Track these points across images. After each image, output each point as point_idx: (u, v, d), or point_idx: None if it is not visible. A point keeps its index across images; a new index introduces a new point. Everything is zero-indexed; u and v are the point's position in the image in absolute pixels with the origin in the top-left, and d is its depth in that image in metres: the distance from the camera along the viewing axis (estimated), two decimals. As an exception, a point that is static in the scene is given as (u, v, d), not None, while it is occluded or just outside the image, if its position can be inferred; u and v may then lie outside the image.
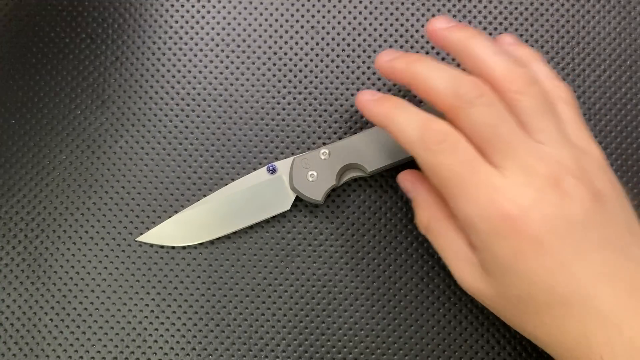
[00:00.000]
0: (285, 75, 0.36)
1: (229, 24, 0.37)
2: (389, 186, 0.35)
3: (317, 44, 0.37)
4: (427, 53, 0.37)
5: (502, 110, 0.27)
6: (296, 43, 0.37)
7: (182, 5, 0.37)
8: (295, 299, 0.34)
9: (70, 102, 0.36)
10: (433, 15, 0.37)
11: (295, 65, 0.36)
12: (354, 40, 0.37)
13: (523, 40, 0.37)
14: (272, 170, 0.34)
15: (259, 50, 0.36)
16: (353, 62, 0.36)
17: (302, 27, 0.37)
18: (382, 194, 0.35)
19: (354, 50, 0.37)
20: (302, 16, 0.37)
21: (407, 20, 0.37)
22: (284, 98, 0.36)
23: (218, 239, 0.34)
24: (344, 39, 0.37)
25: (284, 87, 0.36)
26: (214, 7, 0.37)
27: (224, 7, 0.37)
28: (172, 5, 0.37)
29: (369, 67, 0.36)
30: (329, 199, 0.35)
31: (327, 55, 0.36)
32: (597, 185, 0.27)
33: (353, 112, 0.36)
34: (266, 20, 0.37)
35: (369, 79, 0.36)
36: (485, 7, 0.37)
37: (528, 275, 0.26)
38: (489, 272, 0.28)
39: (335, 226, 0.35)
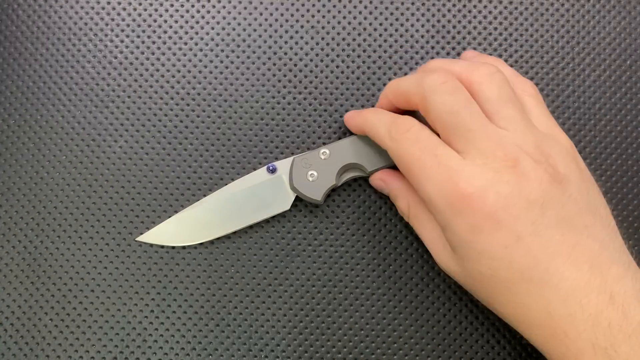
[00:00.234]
0: (285, 75, 0.36)
1: (229, 24, 0.37)
2: (389, 186, 0.35)
3: (317, 44, 0.37)
4: (427, 53, 0.37)
5: (465, 98, 0.29)
6: (296, 43, 0.36)
7: (182, 5, 0.37)
8: (295, 299, 0.34)
9: (70, 102, 0.36)
10: (433, 15, 0.37)
11: (295, 65, 0.36)
12: (354, 40, 0.37)
13: (523, 40, 0.37)
14: (272, 170, 0.34)
15: (259, 50, 0.36)
16: (353, 62, 0.36)
17: (302, 27, 0.37)
18: (382, 194, 0.35)
19: (354, 50, 0.37)
20: (302, 16, 0.37)
21: (407, 20, 0.37)
22: (284, 98, 0.36)
23: (218, 239, 0.34)
24: (344, 39, 0.37)
25: (284, 87, 0.36)
26: (213, 7, 0.37)
27: (224, 7, 0.37)
28: (172, 5, 0.37)
29: (369, 67, 0.36)
30: (329, 198, 0.35)
31: (327, 55, 0.36)
32: (560, 169, 0.28)
33: (353, 112, 0.36)
34: (266, 20, 0.37)
35: (369, 79, 0.36)
36: (485, 7, 0.37)
37: (486, 251, 0.27)
38: (454, 250, 0.29)
39: (335, 226, 0.35)
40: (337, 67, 0.36)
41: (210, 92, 0.36)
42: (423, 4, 0.37)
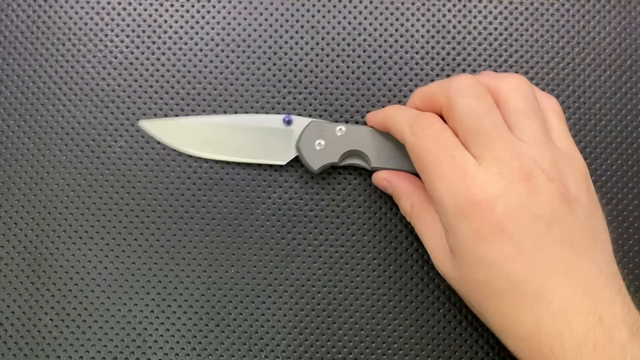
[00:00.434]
0: (285, 75, 0.36)
1: (229, 24, 0.37)
2: (389, 186, 0.35)
3: (317, 44, 0.37)
4: (427, 53, 0.37)
5: (489, 103, 0.29)
6: (296, 43, 0.36)
7: (182, 5, 0.37)
8: (295, 299, 0.34)
9: (70, 102, 0.36)
10: (433, 15, 0.37)
11: (295, 65, 0.36)
12: (354, 40, 0.37)
13: (523, 40, 0.37)
14: (288, 122, 0.34)
15: (259, 50, 0.36)
16: (353, 62, 0.36)
17: (302, 27, 0.37)
18: (382, 193, 0.35)
19: (354, 50, 0.37)
20: (302, 16, 0.37)
21: (407, 20, 0.37)
22: (284, 98, 0.36)
23: (218, 237, 0.34)
24: (344, 39, 0.37)
25: (284, 87, 0.36)
26: (214, 7, 0.37)
27: (224, 7, 0.37)
28: (172, 5, 0.37)
29: (369, 67, 0.36)
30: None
31: (327, 55, 0.36)
32: (571, 189, 0.28)
33: (353, 112, 0.36)
34: (266, 20, 0.37)
35: (369, 79, 0.36)
36: (485, 7, 0.37)
37: (486, 258, 0.27)
38: (454, 254, 0.29)
39: (336, 226, 0.35)
40: (337, 67, 0.36)
41: (210, 92, 0.36)
42: (423, 4, 0.37)
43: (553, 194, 0.27)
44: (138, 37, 0.36)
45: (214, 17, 0.37)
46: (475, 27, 0.37)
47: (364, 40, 0.37)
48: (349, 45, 0.37)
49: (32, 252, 0.34)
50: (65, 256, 0.34)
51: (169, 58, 0.36)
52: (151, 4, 0.37)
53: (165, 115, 0.36)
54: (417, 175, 0.32)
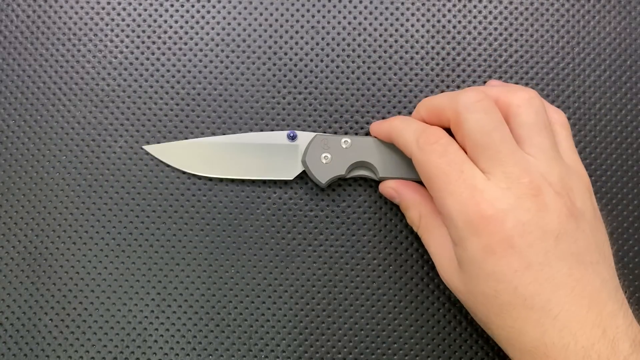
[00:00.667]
0: (285, 75, 0.36)
1: (229, 24, 0.37)
2: (389, 186, 0.35)
3: (317, 44, 0.37)
4: (427, 53, 0.37)
5: (498, 119, 0.29)
6: (296, 43, 0.36)
7: (182, 5, 0.37)
8: (295, 299, 0.34)
9: (70, 102, 0.36)
10: (433, 16, 0.37)
11: (295, 65, 0.36)
12: (354, 40, 0.37)
13: (523, 40, 0.37)
14: (292, 138, 0.34)
15: (259, 50, 0.36)
16: (353, 62, 0.36)
17: (302, 27, 0.37)
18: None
19: (354, 50, 0.37)
20: (302, 16, 0.37)
21: (407, 20, 0.37)
22: (284, 98, 0.36)
23: (218, 237, 0.34)
24: (344, 39, 0.37)
25: (284, 87, 0.36)
26: (213, 7, 0.37)
27: (224, 7, 0.37)
28: (172, 5, 0.37)
29: (369, 67, 0.36)
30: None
31: (327, 55, 0.36)
32: (577, 204, 0.28)
33: (353, 112, 0.36)
34: (266, 20, 0.37)
35: (369, 79, 0.36)
36: (485, 7, 0.37)
37: (495, 273, 0.27)
38: (462, 267, 0.29)
39: (336, 226, 0.35)
40: (337, 67, 0.36)
41: (210, 92, 0.36)
42: (423, 4, 0.37)
43: (561, 209, 0.28)
44: (138, 37, 0.36)
45: (214, 17, 0.37)
46: (475, 27, 0.37)
47: (364, 40, 0.37)
48: (349, 45, 0.37)
49: (32, 252, 0.34)
50: (65, 256, 0.34)
51: (169, 58, 0.36)
52: (151, 4, 0.37)
53: (165, 116, 0.36)
54: (424, 184, 0.32)
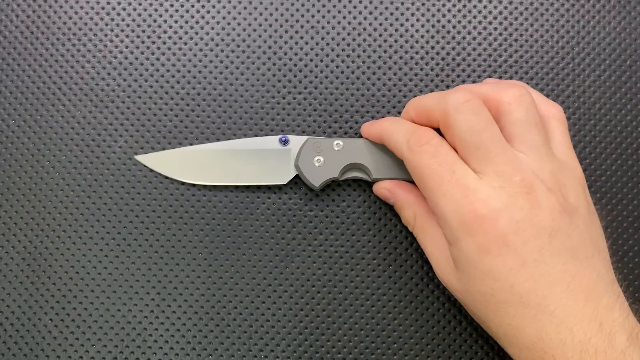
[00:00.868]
0: (285, 75, 0.36)
1: (228, 24, 0.37)
2: (388, 186, 0.35)
3: (317, 44, 0.37)
4: (426, 53, 0.37)
5: (487, 118, 0.29)
6: (296, 43, 0.36)
7: (182, 5, 0.37)
8: (295, 299, 0.34)
9: (70, 102, 0.36)
10: (433, 16, 0.37)
11: (295, 65, 0.36)
12: (353, 40, 0.37)
13: (523, 40, 0.37)
14: (284, 142, 0.34)
15: (259, 50, 0.36)
16: (353, 62, 0.36)
17: (302, 27, 0.37)
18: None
19: (353, 50, 0.37)
20: (302, 16, 0.37)
21: (407, 20, 0.37)
22: (283, 98, 0.36)
23: (218, 237, 0.34)
24: (343, 39, 0.37)
25: (284, 87, 0.36)
26: (213, 7, 0.37)
27: (224, 7, 0.37)
28: (172, 5, 0.37)
29: (368, 67, 0.36)
30: (329, 197, 0.35)
31: (327, 55, 0.36)
32: (570, 199, 0.29)
33: (353, 112, 0.36)
34: (266, 20, 0.37)
35: (368, 79, 0.36)
36: (485, 7, 0.37)
37: (491, 271, 0.27)
38: (458, 266, 0.29)
39: (335, 226, 0.35)
40: (337, 67, 0.36)
41: (210, 92, 0.36)
42: (423, 4, 0.37)
43: (554, 206, 0.28)
44: (138, 37, 0.36)
45: (213, 17, 0.37)
46: (475, 27, 0.37)
47: (364, 40, 0.37)
48: (349, 45, 0.37)
49: (32, 252, 0.34)
50: (65, 256, 0.34)
51: (169, 58, 0.36)
52: (151, 4, 0.37)
53: (165, 116, 0.36)
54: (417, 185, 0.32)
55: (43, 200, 0.35)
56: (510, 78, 0.37)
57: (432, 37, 0.37)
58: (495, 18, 0.37)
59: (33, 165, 0.35)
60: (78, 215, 0.35)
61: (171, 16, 0.37)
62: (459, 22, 0.37)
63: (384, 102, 0.36)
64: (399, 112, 0.36)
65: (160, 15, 0.37)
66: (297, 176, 0.34)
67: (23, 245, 0.34)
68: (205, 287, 0.34)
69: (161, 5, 0.37)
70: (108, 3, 0.36)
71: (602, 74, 0.37)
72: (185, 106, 0.36)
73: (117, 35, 0.36)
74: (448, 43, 0.37)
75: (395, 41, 0.37)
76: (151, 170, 0.35)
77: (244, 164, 0.34)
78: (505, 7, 0.37)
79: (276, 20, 0.37)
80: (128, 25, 0.36)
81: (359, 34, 0.37)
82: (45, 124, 0.35)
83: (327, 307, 0.34)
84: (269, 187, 0.35)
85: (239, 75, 0.36)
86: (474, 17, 0.37)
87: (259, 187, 0.35)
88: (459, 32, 0.37)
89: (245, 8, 0.37)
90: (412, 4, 0.37)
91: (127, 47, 0.36)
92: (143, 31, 0.36)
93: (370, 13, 0.37)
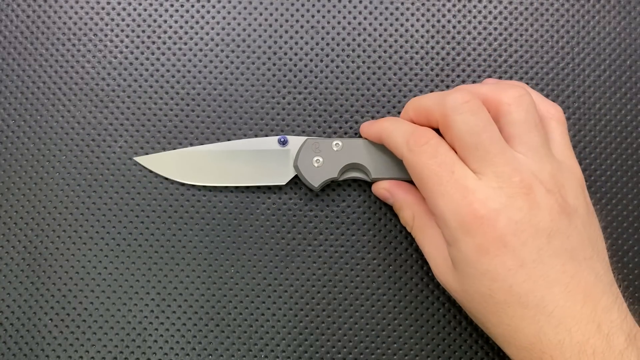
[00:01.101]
0: (285, 75, 0.36)
1: (228, 24, 0.37)
2: (388, 186, 0.35)
3: (317, 44, 0.37)
4: (426, 53, 0.37)
5: (487, 119, 0.29)
6: (296, 43, 0.36)
7: (182, 5, 0.37)
8: (295, 299, 0.34)
9: (70, 102, 0.36)
10: (433, 16, 0.37)
11: (295, 65, 0.36)
12: (353, 40, 0.37)
13: (523, 40, 0.37)
14: (283, 142, 0.34)
15: (259, 50, 0.36)
16: (353, 62, 0.36)
17: (302, 27, 0.37)
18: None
19: (353, 50, 0.37)
20: (302, 16, 0.37)
21: (407, 20, 0.37)
22: (283, 98, 0.36)
23: (218, 237, 0.34)
24: (343, 39, 0.37)
25: (284, 87, 0.36)
26: (213, 7, 0.37)
27: (224, 7, 0.37)
28: (172, 5, 0.37)
29: (368, 67, 0.36)
30: (328, 197, 0.35)
31: (327, 55, 0.36)
32: (569, 200, 0.29)
33: (353, 112, 0.36)
34: (266, 20, 0.37)
35: (368, 79, 0.36)
36: (485, 7, 0.37)
37: (489, 272, 0.27)
38: (456, 266, 0.29)
39: (335, 226, 0.35)
40: (337, 67, 0.36)
41: (210, 92, 0.36)
42: (423, 4, 0.37)
43: (552, 207, 0.28)
44: (138, 37, 0.36)
45: (213, 17, 0.37)
46: (475, 27, 0.37)
47: (364, 40, 0.37)
48: (349, 45, 0.37)
49: (32, 252, 0.34)
50: (65, 256, 0.34)
51: (169, 58, 0.36)
52: (151, 4, 0.37)
53: (165, 116, 0.36)
54: (416, 185, 0.32)
55: (43, 200, 0.35)
56: (510, 78, 0.37)
57: (432, 37, 0.37)
58: (495, 18, 0.37)
59: (33, 165, 0.35)
60: (78, 215, 0.35)
61: (171, 16, 0.37)
62: (459, 22, 0.37)
63: (384, 102, 0.36)
64: (399, 112, 0.36)
65: (160, 15, 0.37)
66: (296, 176, 0.34)
67: (23, 245, 0.34)
68: (205, 287, 0.34)
69: (161, 5, 0.37)
70: (108, 3, 0.36)
71: (602, 74, 0.37)
72: (185, 106, 0.36)
73: (117, 35, 0.36)
74: (448, 43, 0.37)
75: (395, 41, 0.37)
76: (151, 171, 0.35)
77: (243, 165, 0.34)
78: (505, 7, 0.37)
79: (276, 20, 0.37)
80: (128, 25, 0.36)
81: (359, 34, 0.37)
82: (45, 124, 0.35)
83: (327, 307, 0.34)
84: (268, 188, 0.35)
85: (239, 75, 0.36)
86: (474, 17, 0.37)
87: (258, 188, 0.35)
88: (459, 32, 0.37)
89: (245, 8, 0.37)
90: (412, 4, 0.37)
91: (127, 47, 0.36)
92: (143, 31, 0.36)
93: (370, 13, 0.37)
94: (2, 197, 0.35)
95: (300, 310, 0.34)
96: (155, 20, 0.36)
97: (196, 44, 0.36)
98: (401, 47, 0.37)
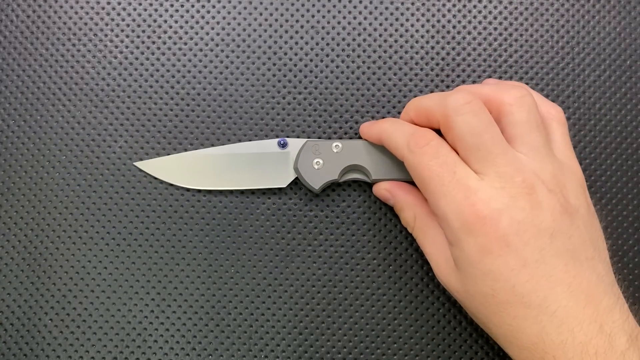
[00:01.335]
0: (285, 75, 0.36)
1: (228, 24, 0.37)
2: (388, 186, 0.35)
3: (317, 44, 0.37)
4: (426, 53, 0.37)
5: (488, 119, 0.29)
6: (296, 43, 0.36)
7: (182, 5, 0.37)
8: (295, 299, 0.34)
9: (70, 102, 0.36)
10: (433, 16, 0.37)
11: (295, 65, 0.36)
12: (353, 40, 0.37)
13: (523, 40, 0.37)
14: (283, 145, 0.34)
15: (259, 50, 0.36)
16: (353, 62, 0.36)
17: (302, 27, 0.37)
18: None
19: (353, 50, 0.37)
20: (302, 16, 0.37)
21: (407, 20, 0.37)
22: (284, 98, 0.36)
23: (218, 237, 0.34)
24: (344, 39, 0.37)
25: (284, 87, 0.36)
26: (213, 7, 0.37)
27: (224, 7, 0.37)
28: (172, 5, 0.37)
29: (369, 67, 0.36)
30: (329, 198, 0.35)
31: (327, 55, 0.36)
32: (571, 200, 0.29)
33: (353, 112, 0.36)
34: (266, 20, 0.37)
35: (368, 79, 0.36)
36: (485, 7, 0.37)
37: (492, 272, 0.28)
38: (459, 267, 0.29)
39: (336, 227, 0.35)
40: (337, 67, 0.36)
41: (210, 92, 0.36)
42: (423, 4, 0.37)
43: (555, 207, 0.28)
44: (138, 37, 0.36)
45: (214, 17, 0.37)
46: (475, 27, 0.37)
47: (364, 40, 0.37)
48: (349, 45, 0.37)
49: (32, 252, 0.34)
50: (65, 256, 0.34)
51: (169, 58, 0.36)
52: (151, 4, 0.37)
53: (165, 116, 0.36)
54: (417, 186, 0.32)
55: (43, 201, 0.35)
56: (510, 78, 0.37)
57: (432, 37, 0.37)
58: (495, 18, 0.37)
59: (33, 165, 0.35)
60: (78, 216, 0.35)
61: (171, 16, 0.37)
62: (459, 22, 0.37)
63: (384, 102, 0.36)
64: (399, 112, 0.36)
65: (160, 15, 0.37)
66: (296, 179, 0.34)
67: (23, 245, 0.34)
68: (205, 287, 0.34)
69: (161, 5, 0.37)
70: (108, 3, 0.36)
71: (602, 74, 0.37)
72: (185, 106, 0.36)
73: (117, 35, 0.36)
74: (448, 43, 0.37)
75: (395, 41, 0.37)
76: (152, 175, 0.35)
77: (243, 168, 0.34)
78: (505, 7, 0.37)
79: (276, 20, 0.37)
80: (128, 25, 0.36)
81: (359, 34, 0.37)
82: (45, 124, 0.35)
83: (327, 307, 0.34)
84: (269, 190, 0.35)
85: (239, 76, 0.36)
86: (474, 17, 0.37)
87: (258, 190, 0.35)
88: (459, 32, 0.37)
89: (245, 8, 0.37)
90: (412, 4, 0.37)
91: (127, 47, 0.36)
92: (143, 31, 0.36)
93: (370, 13, 0.37)
94: (2, 197, 0.35)
95: (301, 311, 0.34)
96: (155, 20, 0.36)
97: (196, 44, 0.36)
98: (401, 47, 0.37)
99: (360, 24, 0.37)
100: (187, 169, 0.35)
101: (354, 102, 0.36)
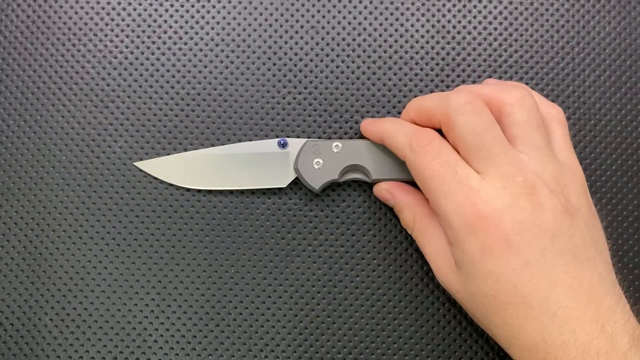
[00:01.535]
0: (285, 75, 0.36)
1: (228, 24, 0.37)
2: (388, 186, 0.35)
3: (317, 44, 0.37)
4: (426, 53, 0.37)
5: (489, 119, 0.29)
6: (296, 43, 0.36)
7: (182, 5, 0.37)
8: (295, 299, 0.34)
9: (70, 102, 0.36)
10: (433, 16, 0.37)
11: (295, 65, 0.36)
12: (353, 40, 0.37)
13: (523, 40, 0.37)
14: (283, 145, 0.34)
15: (259, 50, 0.36)
16: (353, 62, 0.36)
17: (302, 27, 0.37)
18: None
19: (354, 50, 0.37)
20: (302, 16, 0.37)
21: (407, 20, 0.37)
22: (284, 98, 0.36)
23: (218, 237, 0.34)
24: (344, 39, 0.37)
25: (284, 87, 0.36)
26: (213, 7, 0.37)
27: (224, 7, 0.37)
28: (172, 5, 0.37)
29: (369, 67, 0.36)
30: (329, 197, 0.35)
31: (327, 55, 0.36)
32: (572, 200, 0.29)
33: (353, 112, 0.36)
34: (266, 20, 0.37)
35: (369, 79, 0.36)
36: (485, 7, 0.37)
37: (493, 272, 0.27)
38: (459, 267, 0.29)
39: (336, 227, 0.35)
40: (337, 67, 0.36)
41: (210, 92, 0.36)
42: (423, 4, 0.37)
43: (556, 207, 0.28)
44: (138, 37, 0.36)
45: (214, 17, 0.37)
46: (475, 27, 0.37)
47: (364, 40, 0.37)
48: (349, 45, 0.37)
49: (32, 252, 0.34)
50: (65, 256, 0.34)
51: (169, 58, 0.36)
52: (151, 4, 0.37)
53: (165, 116, 0.36)
54: (419, 186, 0.32)
55: (43, 201, 0.35)
56: (510, 78, 0.37)
57: (432, 37, 0.37)
58: (495, 18, 0.37)
59: (33, 165, 0.35)
60: (78, 216, 0.35)
61: (171, 16, 0.37)
62: (459, 22, 0.37)
63: (384, 102, 0.36)
64: (399, 112, 0.36)
65: (160, 15, 0.37)
66: (296, 179, 0.34)
67: (23, 245, 0.34)
68: (205, 287, 0.34)
69: (161, 5, 0.37)
70: (108, 3, 0.36)
71: (602, 74, 0.37)
72: (185, 106, 0.36)
73: (117, 35, 0.36)
74: (448, 43, 0.37)
75: (395, 41, 0.37)
76: (152, 175, 0.35)
77: (243, 168, 0.34)
78: (505, 7, 0.37)
79: (276, 20, 0.37)
80: (128, 25, 0.36)
81: (359, 34, 0.37)
82: (45, 124, 0.35)
83: (327, 307, 0.34)
84: (269, 190, 0.35)
85: (239, 76, 0.36)
86: (474, 17, 0.37)
87: (259, 190, 0.35)
88: (459, 32, 0.37)
89: (245, 8, 0.37)
90: (412, 4, 0.37)
91: (127, 47, 0.36)
92: (143, 31, 0.36)
93: (370, 13, 0.37)
94: (2, 197, 0.35)
95: (300, 311, 0.34)
96: (155, 20, 0.36)
97: (196, 44, 0.36)
98: (401, 47, 0.37)
99: (360, 24, 0.37)
100: (187, 169, 0.35)
101: (354, 102, 0.36)
